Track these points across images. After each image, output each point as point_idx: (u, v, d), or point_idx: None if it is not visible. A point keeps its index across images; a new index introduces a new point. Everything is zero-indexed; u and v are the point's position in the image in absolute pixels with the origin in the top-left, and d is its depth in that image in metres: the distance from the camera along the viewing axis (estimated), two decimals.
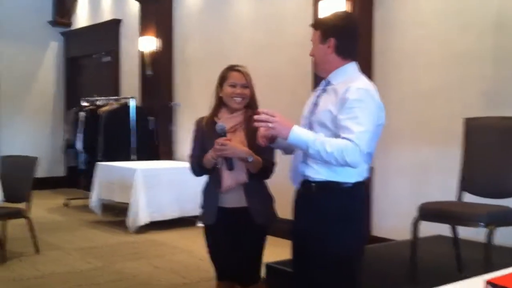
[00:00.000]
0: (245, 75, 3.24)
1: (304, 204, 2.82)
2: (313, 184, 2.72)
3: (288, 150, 2.93)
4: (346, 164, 2.53)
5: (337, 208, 2.69)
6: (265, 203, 3.29)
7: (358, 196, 2.76)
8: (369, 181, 5.73)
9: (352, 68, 2.78)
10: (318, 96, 2.78)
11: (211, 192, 3.27)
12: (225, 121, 3.22)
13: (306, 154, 2.68)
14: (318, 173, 2.69)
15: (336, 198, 2.70)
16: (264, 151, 3.12)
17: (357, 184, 2.71)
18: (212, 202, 3.25)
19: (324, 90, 2.77)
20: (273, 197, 3.37)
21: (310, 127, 2.73)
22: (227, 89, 3.23)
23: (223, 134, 3.07)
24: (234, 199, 3.19)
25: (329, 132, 2.63)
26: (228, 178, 3.14)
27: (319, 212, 2.72)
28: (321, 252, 2.69)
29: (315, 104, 2.76)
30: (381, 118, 2.70)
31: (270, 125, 2.56)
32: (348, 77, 2.71)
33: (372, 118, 2.60)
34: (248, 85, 3.23)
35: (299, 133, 2.55)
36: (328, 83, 2.77)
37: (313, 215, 2.74)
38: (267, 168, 3.19)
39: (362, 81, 2.70)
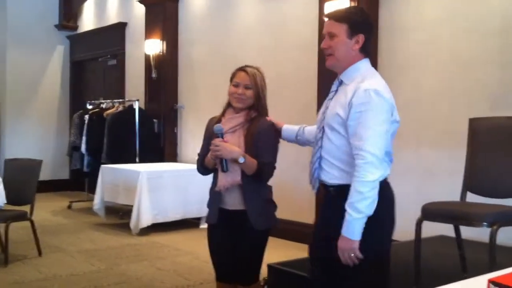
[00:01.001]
0: (251, 75, 3.18)
1: (325, 208, 2.81)
2: (331, 189, 2.70)
3: (300, 142, 3.05)
4: (376, 181, 2.51)
5: None
6: (264, 207, 3.22)
7: (379, 195, 2.63)
8: None
9: (364, 65, 2.71)
10: (331, 99, 2.73)
11: (213, 192, 3.26)
12: (227, 121, 3.21)
13: (320, 158, 2.69)
14: (333, 177, 2.67)
15: None
16: (263, 154, 3.11)
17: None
18: (214, 202, 3.25)
19: (336, 92, 2.73)
20: (274, 202, 3.31)
21: (323, 131, 2.70)
22: (231, 88, 3.23)
23: (219, 135, 3.08)
24: (233, 202, 3.17)
25: (339, 135, 2.62)
26: (222, 178, 3.14)
27: (339, 217, 2.61)
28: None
29: (327, 108, 2.73)
30: (394, 115, 2.65)
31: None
32: (360, 75, 2.65)
33: (382, 118, 2.55)
34: (251, 86, 3.17)
35: (349, 229, 2.53)
36: (341, 83, 2.72)
37: (333, 220, 2.66)
38: (263, 170, 3.12)
39: (371, 80, 2.62)
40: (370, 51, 2.75)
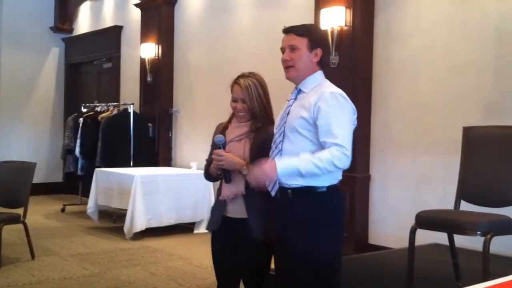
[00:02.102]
0: (244, 88, 3.14)
1: (282, 211, 2.88)
2: (289, 191, 2.81)
3: None
4: (338, 169, 2.70)
5: (313, 213, 2.78)
6: (267, 217, 3.11)
7: (333, 199, 2.85)
8: (367, 189, 5.73)
9: (320, 76, 2.92)
10: (290, 106, 2.89)
11: (218, 200, 3.24)
12: (233, 129, 3.20)
13: None
14: (293, 179, 2.77)
15: (312, 203, 2.79)
16: None
17: (331, 188, 2.81)
18: (218, 210, 3.22)
19: (295, 99, 2.90)
20: None
21: (283, 135, 2.84)
22: (231, 103, 3.22)
23: (220, 146, 3.07)
24: (236, 210, 3.13)
25: (302, 137, 2.77)
26: (226, 188, 3.13)
27: (296, 218, 2.80)
28: (301, 257, 2.76)
29: (287, 114, 2.87)
30: (354, 120, 2.83)
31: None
32: (318, 84, 2.86)
33: (349, 119, 2.76)
34: (246, 100, 3.14)
35: (284, 165, 2.70)
36: (299, 92, 2.90)
37: (290, 221, 2.81)
38: None
39: (331, 86, 2.84)
40: (325, 64, 2.97)
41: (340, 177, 2.86)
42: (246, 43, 7.42)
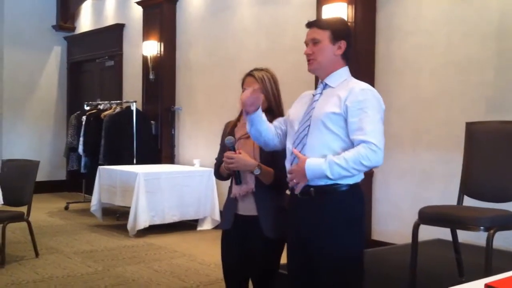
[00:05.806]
0: (259, 80, 3.13)
1: (304, 209, 2.80)
2: (312, 189, 2.73)
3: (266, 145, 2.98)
4: (368, 168, 2.63)
5: (337, 211, 2.71)
6: (277, 215, 3.10)
7: (356, 197, 2.78)
8: (370, 186, 5.73)
9: (346, 72, 2.85)
10: (316, 100, 2.79)
11: (229, 199, 3.22)
12: (242, 126, 3.15)
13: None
14: (319, 180, 2.69)
15: (335, 201, 2.71)
16: (279, 161, 3.01)
17: (354, 186, 2.74)
18: (230, 208, 3.20)
19: (321, 94, 2.80)
20: None
21: (308, 129, 2.74)
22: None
23: (231, 147, 3.04)
24: (247, 207, 3.12)
25: (329, 132, 2.68)
26: (237, 186, 3.11)
27: (319, 217, 2.73)
28: (325, 255, 2.70)
29: (313, 108, 2.77)
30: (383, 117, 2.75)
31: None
32: (344, 80, 2.79)
33: (380, 116, 2.68)
34: (262, 90, 3.10)
35: (313, 168, 2.64)
36: (326, 86, 2.81)
37: (313, 220, 2.73)
38: (280, 179, 3.02)
39: (361, 82, 2.77)
40: (350, 58, 2.87)
41: (363, 176, 2.78)
42: (247, 40, 7.42)
